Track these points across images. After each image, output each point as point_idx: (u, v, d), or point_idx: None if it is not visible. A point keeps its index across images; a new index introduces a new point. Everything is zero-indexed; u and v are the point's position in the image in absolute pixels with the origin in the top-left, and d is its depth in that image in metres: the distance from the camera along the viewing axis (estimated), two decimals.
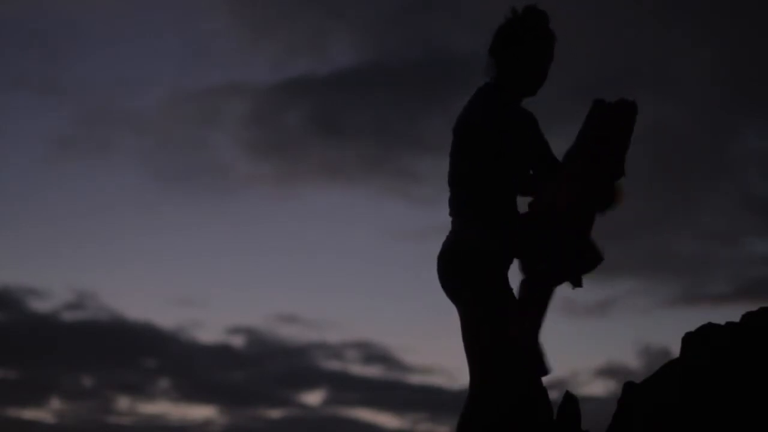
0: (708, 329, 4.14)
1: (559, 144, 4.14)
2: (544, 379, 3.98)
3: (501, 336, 3.92)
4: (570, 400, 4.02)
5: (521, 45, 4.04)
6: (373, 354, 15.91)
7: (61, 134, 17.43)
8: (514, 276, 4.03)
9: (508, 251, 4.01)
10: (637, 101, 4.01)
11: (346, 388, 15.86)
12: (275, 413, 15.80)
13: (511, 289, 4.02)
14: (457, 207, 4.07)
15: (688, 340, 4.17)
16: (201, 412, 16.47)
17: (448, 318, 4.07)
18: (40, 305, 16.22)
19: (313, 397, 16.10)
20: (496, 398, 3.90)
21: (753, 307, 4.15)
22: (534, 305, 3.97)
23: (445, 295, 4.09)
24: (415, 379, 15.66)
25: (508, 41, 4.06)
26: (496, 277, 3.99)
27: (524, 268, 4.03)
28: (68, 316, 16.25)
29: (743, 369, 3.86)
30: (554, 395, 3.98)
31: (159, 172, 17.28)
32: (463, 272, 3.99)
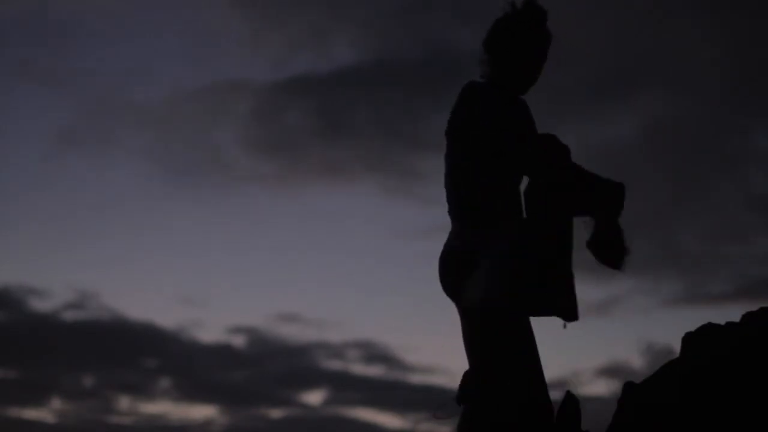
0: (708, 329, 4.14)
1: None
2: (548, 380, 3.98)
3: (501, 337, 3.92)
4: (571, 400, 4.02)
5: (514, 38, 4.02)
6: (374, 354, 15.91)
7: (61, 132, 17.41)
8: None
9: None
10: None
11: (347, 387, 15.86)
12: (276, 413, 15.80)
13: None
14: (455, 210, 4.06)
15: (688, 340, 4.17)
16: (201, 411, 16.46)
17: (450, 318, 4.07)
18: (40, 305, 16.22)
19: (314, 397, 16.11)
20: (497, 398, 3.90)
21: (757, 306, 4.15)
22: None
23: (446, 296, 4.09)
24: (417, 378, 15.64)
25: (502, 35, 4.04)
26: None
27: None
28: (69, 316, 16.25)
29: (743, 369, 3.85)
30: (555, 395, 3.98)
31: (159, 170, 17.28)
32: (463, 275, 3.97)
